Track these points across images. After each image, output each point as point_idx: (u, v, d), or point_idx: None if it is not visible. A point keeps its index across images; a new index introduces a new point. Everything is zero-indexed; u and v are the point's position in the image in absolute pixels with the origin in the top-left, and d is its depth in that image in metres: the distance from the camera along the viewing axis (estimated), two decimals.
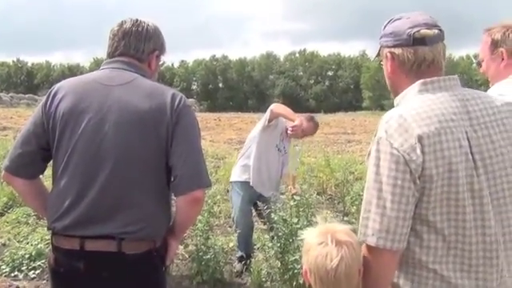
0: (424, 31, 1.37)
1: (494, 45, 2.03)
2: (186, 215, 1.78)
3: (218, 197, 5.10)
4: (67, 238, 1.66)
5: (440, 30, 1.40)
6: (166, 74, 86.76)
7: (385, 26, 1.47)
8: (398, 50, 1.41)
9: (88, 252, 1.64)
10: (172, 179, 1.71)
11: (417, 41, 1.37)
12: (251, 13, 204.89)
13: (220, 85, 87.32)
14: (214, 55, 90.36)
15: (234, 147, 13.40)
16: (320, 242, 1.40)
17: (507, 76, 1.99)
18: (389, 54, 1.44)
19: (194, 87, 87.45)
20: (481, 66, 2.14)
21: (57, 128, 1.69)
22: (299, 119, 4.00)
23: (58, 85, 1.79)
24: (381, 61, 1.53)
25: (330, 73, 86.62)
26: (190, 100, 50.60)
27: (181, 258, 4.35)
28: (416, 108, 1.32)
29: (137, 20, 1.85)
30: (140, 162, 1.67)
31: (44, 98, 1.77)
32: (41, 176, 1.87)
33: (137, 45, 1.83)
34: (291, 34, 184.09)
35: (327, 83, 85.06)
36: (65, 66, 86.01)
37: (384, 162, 1.29)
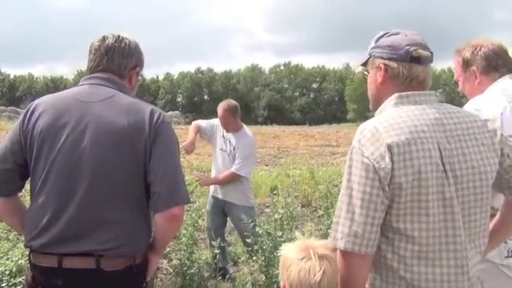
0: (421, 51, 1.44)
1: (466, 64, 2.11)
2: (165, 232, 1.77)
3: (203, 210, 5.07)
4: (45, 255, 1.64)
5: (431, 52, 1.47)
6: (151, 87, 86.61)
7: (379, 38, 1.52)
8: (393, 64, 1.46)
9: (66, 269, 1.62)
10: (151, 196, 1.69)
11: (413, 59, 1.43)
12: (236, 26, 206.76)
13: (205, 97, 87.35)
14: (200, 68, 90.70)
15: None
16: (302, 257, 1.42)
17: (482, 92, 2.04)
18: (382, 66, 1.48)
19: (179, 99, 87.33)
20: (458, 85, 2.20)
21: (34, 145, 1.67)
22: (186, 142, 4.20)
23: (35, 102, 1.78)
24: (366, 71, 1.57)
25: (314, 85, 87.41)
26: (175, 112, 50.42)
27: (165, 272, 4.29)
28: (389, 119, 1.37)
29: (119, 36, 1.85)
30: (118, 179, 1.65)
31: (21, 116, 1.75)
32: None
33: (120, 61, 1.82)
34: (275, 46, 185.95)
35: (312, 95, 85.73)
36: (48, 79, 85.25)
37: (355, 169, 1.35)
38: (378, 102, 1.52)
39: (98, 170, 1.64)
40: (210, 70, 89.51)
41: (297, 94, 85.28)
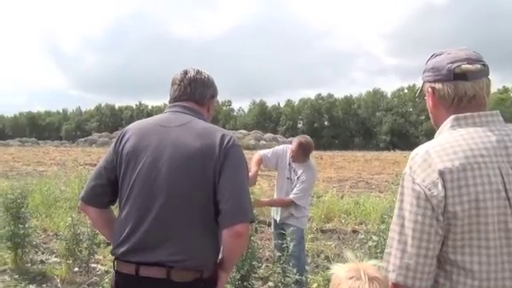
0: (465, 66, 1.36)
1: None
2: (231, 248, 1.87)
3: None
4: (125, 263, 1.84)
5: (484, 65, 1.37)
6: (272, 114, 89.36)
7: (427, 61, 1.49)
8: (438, 85, 1.41)
9: (142, 277, 1.80)
10: (219, 214, 1.82)
11: (457, 76, 1.36)
12: (357, 50, 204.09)
13: (325, 123, 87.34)
14: (320, 94, 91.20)
15: (333, 185, 13.24)
16: (351, 277, 1.43)
17: None
18: (430, 89, 1.45)
19: (299, 126, 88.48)
20: None
21: (122, 164, 1.92)
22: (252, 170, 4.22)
23: (126, 127, 2.05)
24: (424, 96, 1.53)
25: None
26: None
27: None
28: (443, 143, 1.30)
29: (198, 69, 2.09)
30: (188, 197, 1.81)
31: (115, 138, 2.02)
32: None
33: (201, 91, 2.05)
34: (398, 70, 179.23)
35: None
36: None
37: (407, 197, 1.29)
38: (438, 126, 1.46)
39: (171, 189, 1.81)
40: (330, 96, 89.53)
41: (422, 117, 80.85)
